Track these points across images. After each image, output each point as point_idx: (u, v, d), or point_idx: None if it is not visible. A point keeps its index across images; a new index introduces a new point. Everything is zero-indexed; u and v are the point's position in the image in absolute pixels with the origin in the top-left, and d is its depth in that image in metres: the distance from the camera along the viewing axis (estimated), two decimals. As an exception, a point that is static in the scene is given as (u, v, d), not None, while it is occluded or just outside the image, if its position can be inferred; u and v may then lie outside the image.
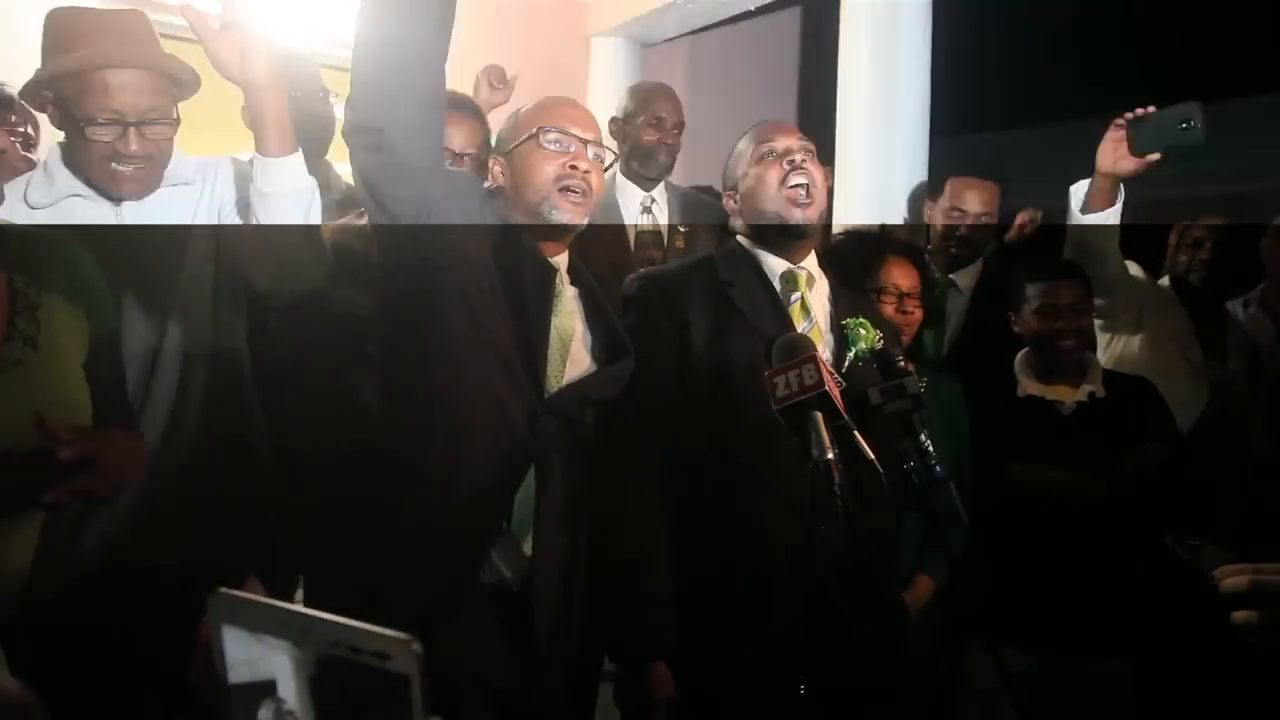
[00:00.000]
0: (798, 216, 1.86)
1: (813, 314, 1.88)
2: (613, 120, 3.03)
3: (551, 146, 1.70)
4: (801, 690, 1.40)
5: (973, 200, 2.82)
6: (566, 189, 1.69)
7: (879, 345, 1.81)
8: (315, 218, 1.70)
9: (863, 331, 1.82)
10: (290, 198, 1.64)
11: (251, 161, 1.66)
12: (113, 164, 1.68)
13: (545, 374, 1.68)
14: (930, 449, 1.54)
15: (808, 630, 1.55)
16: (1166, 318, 2.80)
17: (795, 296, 1.88)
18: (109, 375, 1.56)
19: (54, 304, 1.46)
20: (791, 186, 1.85)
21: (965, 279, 2.86)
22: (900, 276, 2.21)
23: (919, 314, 2.23)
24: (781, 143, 1.89)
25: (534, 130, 1.71)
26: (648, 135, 2.91)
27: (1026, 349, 2.45)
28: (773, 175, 1.87)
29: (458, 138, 2.26)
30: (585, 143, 1.72)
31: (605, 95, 4.88)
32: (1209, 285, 2.88)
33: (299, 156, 1.66)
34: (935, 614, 2.22)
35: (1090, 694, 2.18)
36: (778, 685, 1.53)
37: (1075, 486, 2.22)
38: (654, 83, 3.26)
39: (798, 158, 1.86)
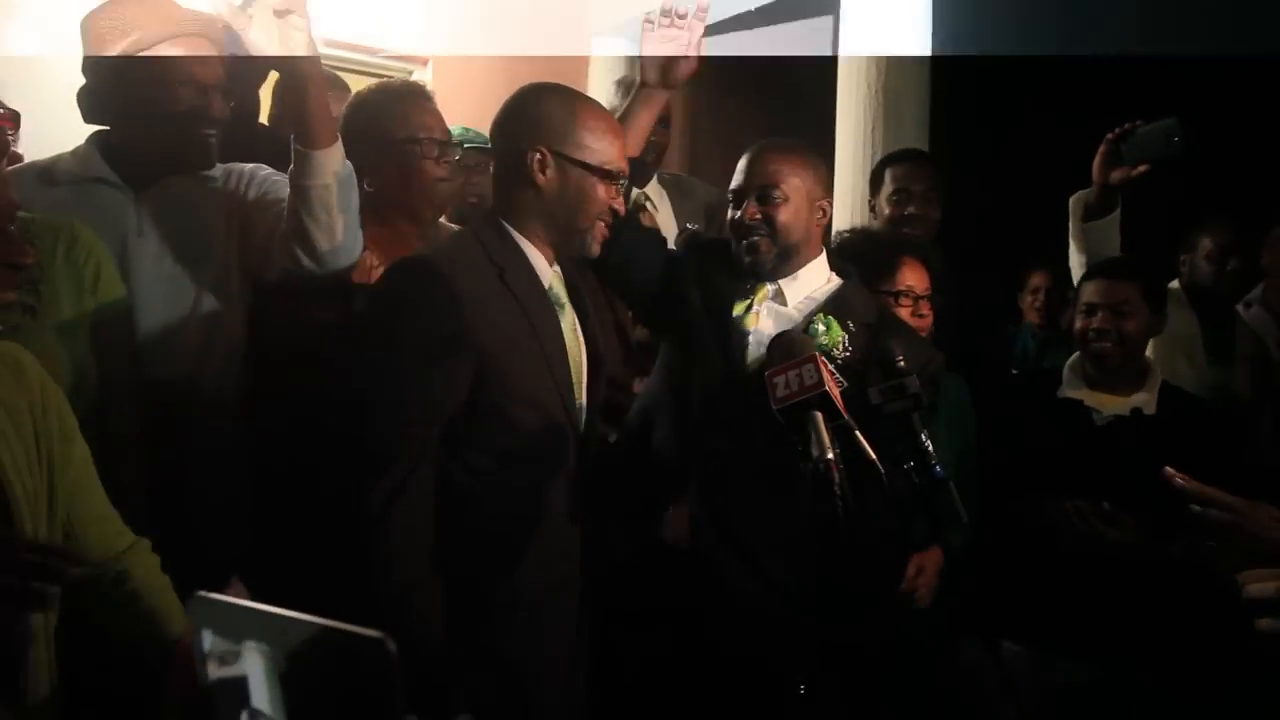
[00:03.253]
0: (747, 266, 1.93)
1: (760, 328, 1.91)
2: None
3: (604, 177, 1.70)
4: (801, 690, 1.40)
5: (915, 178, 2.81)
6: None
7: (846, 346, 1.82)
8: (355, 204, 1.71)
9: (822, 329, 1.83)
10: (334, 188, 1.64)
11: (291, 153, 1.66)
12: (192, 131, 1.76)
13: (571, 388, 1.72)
14: (930, 449, 1.54)
15: (806, 630, 1.55)
16: (1171, 319, 2.80)
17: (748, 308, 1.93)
18: (116, 341, 1.67)
19: (56, 278, 1.57)
20: (743, 242, 1.92)
21: None
22: (915, 278, 2.22)
23: (931, 316, 2.23)
24: (740, 184, 1.94)
25: (595, 162, 1.69)
26: None
27: (1079, 352, 2.35)
28: (732, 219, 1.95)
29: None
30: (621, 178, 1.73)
31: (605, 95, 4.88)
32: (1216, 288, 2.90)
33: (339, 145, 1.66)
34: (936, 614, 2.20)
35: (1095, 698, 2.15)
36: (776, 685, 1.53)
37: (1095, 532, 2.09)
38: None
39: (747, 216, 1.91)
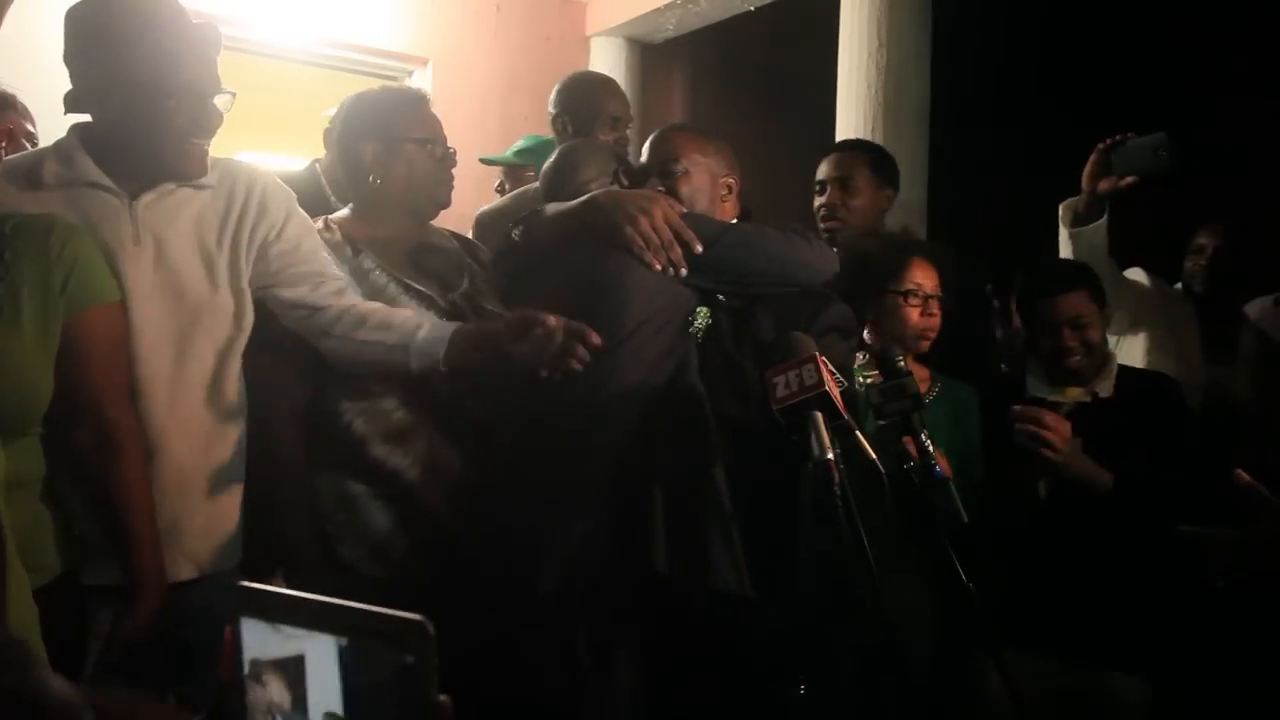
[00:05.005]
0: None
1: None
2: (556, 119, 2.83)
3: None
4: (801, 690, 1.40)
5: (831, 166, 2.73)
6: None
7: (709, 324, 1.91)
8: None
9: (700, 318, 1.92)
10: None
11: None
12: (187, 140, 1.70)
13: None
14: (930, 449, 1.54)
15: (805, 630, 1.55)
16: (1166, 319, 2.80)
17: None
18: (105, 348, 1.58)
19: (24, 281, 1.48)
20: None
21: None
22: (924, 277, 2.22)
23: (939, 316, 2.23)
24: (643, 165, 2.10)
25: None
26: (603, 136, 2.72)
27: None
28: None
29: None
30: None
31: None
32: (1214, 289, 2.90)
33: None
34: (937, 619, 2.20)
35: (1096, 703, 2.13)
36: (776, 684, 1.53)
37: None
38: (597, 76, 3.08)
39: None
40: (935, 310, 2.22)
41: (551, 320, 1.63)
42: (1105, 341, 2.31)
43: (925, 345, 2.23)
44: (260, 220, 1.79)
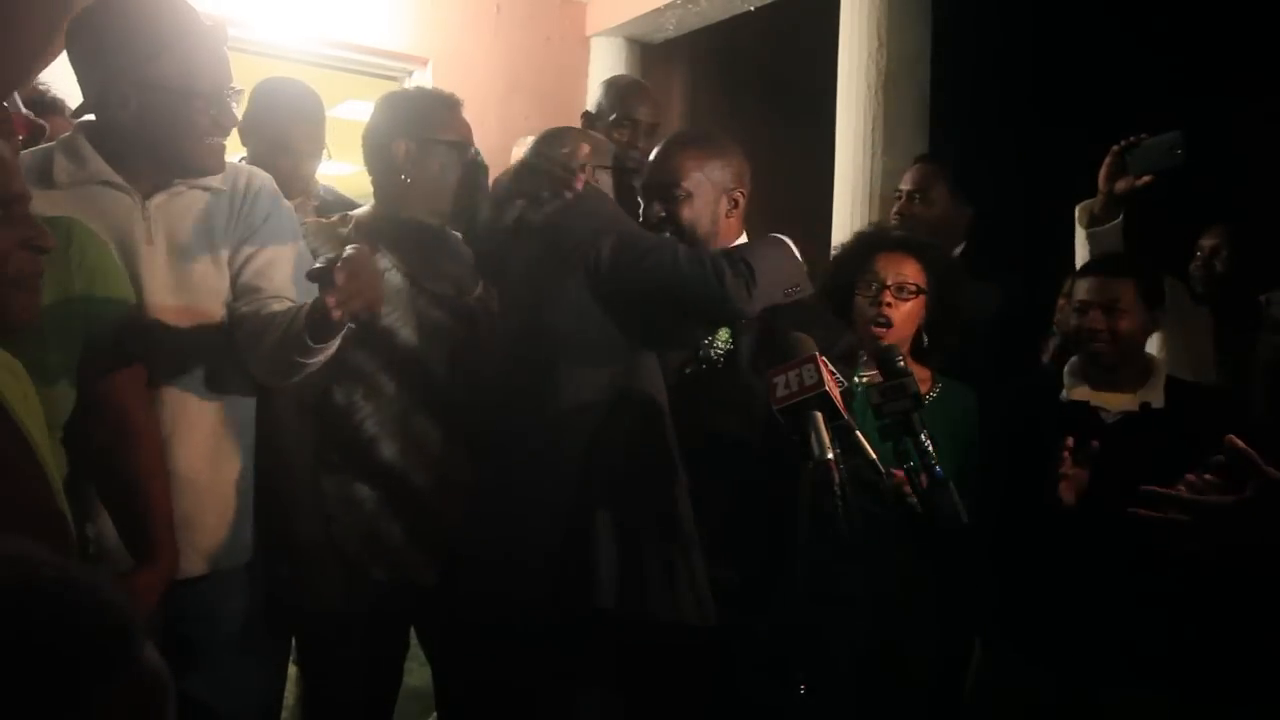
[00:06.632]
0: None
1: None
2: (585, 115, 2.90)
3: None
4: (802, 690, 1.40)
5: (909, 179, 2.99)
6: None
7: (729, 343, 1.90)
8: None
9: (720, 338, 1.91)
10: (309, 367, 1.68)
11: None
12: (207, 139, 1.70)
13: None
14: (931, 449, 1.54)
15: (804, 628, 1.55)
16: (1179, 321, 2.77)
17: None
18: (127, 348, 1.60)
19: (46, 287, 1.46)
20: None
21: None
22: (885, 266, 2.18)
23: (906, 308, 2.17)
24: (646, 182, 2.05)
25: None
26: (617, 135, 2.69)
27: (1076, 354, 2.27)
28: (643, 216, 2.05)
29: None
30: None
31: (594, 97, 4.89)
32: (1226, 292, 2.90)
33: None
34: (934, 617, 2.20)
35: (1093, 700, 2.11)
36: (776, 683, 1.53)
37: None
38: (631, 79, 3.15)
39: (653, 216, 2.00)
40: (890, 300, 2.16)
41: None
42: (1143, 344, 2.22)
43: (881, 333, 2.13)
44: (250, 223, 1.79)
